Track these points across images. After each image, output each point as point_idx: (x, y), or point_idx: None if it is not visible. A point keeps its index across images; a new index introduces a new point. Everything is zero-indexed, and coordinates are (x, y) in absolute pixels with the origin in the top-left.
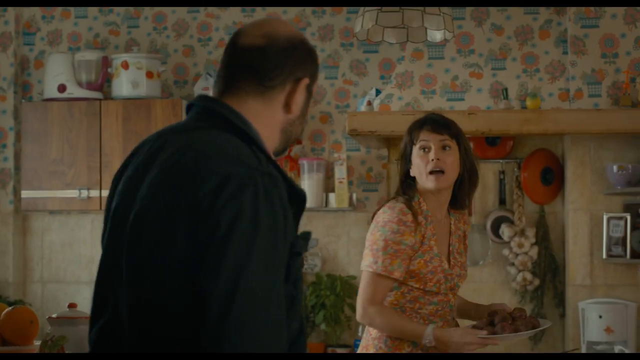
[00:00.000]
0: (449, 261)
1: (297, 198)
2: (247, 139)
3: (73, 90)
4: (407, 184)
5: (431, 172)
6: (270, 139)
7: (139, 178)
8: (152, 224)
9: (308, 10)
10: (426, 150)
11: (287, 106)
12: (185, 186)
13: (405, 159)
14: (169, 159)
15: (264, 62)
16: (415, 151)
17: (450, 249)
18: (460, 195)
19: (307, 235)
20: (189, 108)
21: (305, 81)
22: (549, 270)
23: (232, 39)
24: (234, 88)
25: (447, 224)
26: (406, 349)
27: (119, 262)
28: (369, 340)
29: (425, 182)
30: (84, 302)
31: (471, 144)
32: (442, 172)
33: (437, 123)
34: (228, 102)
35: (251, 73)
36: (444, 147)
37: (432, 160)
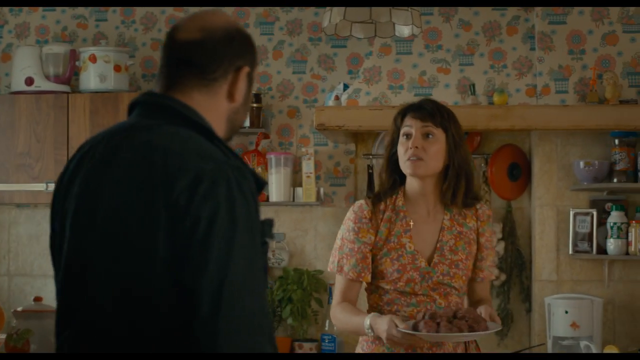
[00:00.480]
0: (431, 259)
1: (260, 188)
2: (206, 132)
3: (40, 84)
4: (394, 180)
5: (409, 159)
6: (217, 129)
7: (98, 179)
8: (128, 224)
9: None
10: (408, 137)
11: (231, 96)
12: (158, 185)
13: (393, 148)
14: (133, 158)
15: (203, 56)
16: (400, 138)
17: (438, 245)
18: (449, 190)
19: (270, 222)
20: (133, 106)
21: (246, 69)
22: (516, 265)
23: (170, 34)
24: (178, 84)
25: (437, 219)
26: (381, 351)
27: (92, 263)
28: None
29: (404, 168)
30: (51, 296)
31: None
32: (421, 159)
33: (421, 109)
34: (183, 97)
35: (192, 67)
36: (426, 135)
37: (411, 148)
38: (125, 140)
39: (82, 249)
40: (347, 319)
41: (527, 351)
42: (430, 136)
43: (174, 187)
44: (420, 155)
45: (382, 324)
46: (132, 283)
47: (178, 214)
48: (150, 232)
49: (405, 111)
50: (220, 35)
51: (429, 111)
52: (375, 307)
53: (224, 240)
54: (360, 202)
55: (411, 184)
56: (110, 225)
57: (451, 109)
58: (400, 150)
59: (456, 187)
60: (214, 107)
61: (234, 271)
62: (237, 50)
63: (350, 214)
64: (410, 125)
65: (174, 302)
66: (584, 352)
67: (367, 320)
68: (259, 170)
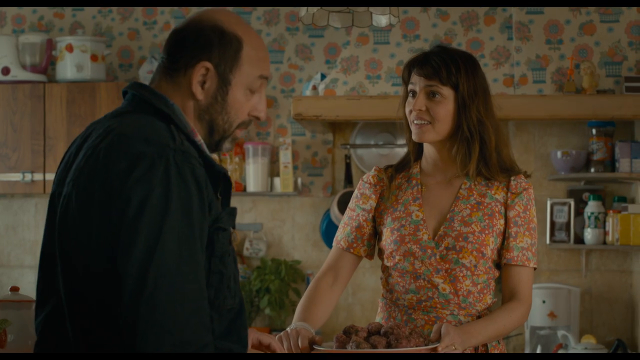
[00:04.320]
0: (436, 230)
1: (219, 177)
2: (167, 119)
3: (17, 73)
4: (419, 146)
5: (414, 123)
6: (195, 128)
7: (69, 166)
8: (75, 209)
9: None
10: (414, 95)
11: (189, 90)
12: (99, 169)
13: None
14: (91, 145)
15: (171, 46)
16: (408, 97)
17: (449, 216)
18: (458, 156)
19: (232, 211)
20: (124, 94)
21: (205, 64)
22: None
23: None
24: (155, 73)
25: (454, 187)
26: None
27: (55, 249)
28: None
29: (412, 132)
30: (28, 286)
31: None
32: (426, 123)
33: (425, 64)
34: (153, 87)
35: (163, 56)
36: (432, 94)
37: (414, 111)
38: (97, 128)
39: (48, 233)
40: (298, 306)
41: (504, 340)
42: (437, 96)
43: (112, 170)
44: (424, 119)
45: (290, 339)
46: (78, 269)
47: (112, 197)
48: (89, 216)
49: (411, 66)
50: (192, 28)
51: (434, 67)
52: (383, 295)
53: (153, 223)
54: (376, 168)
55: (426, 149)
56: (65, 211)
57: None
58: (407, 110)
59: (468, 153)
60: (179, 100)
61: (162, 256)
62: (201, 44)
63: (358, 182)
64: (415, 83)
65: (117, 291)
66: (561, 341)
67: (291, 326)
68: (236, 160)
